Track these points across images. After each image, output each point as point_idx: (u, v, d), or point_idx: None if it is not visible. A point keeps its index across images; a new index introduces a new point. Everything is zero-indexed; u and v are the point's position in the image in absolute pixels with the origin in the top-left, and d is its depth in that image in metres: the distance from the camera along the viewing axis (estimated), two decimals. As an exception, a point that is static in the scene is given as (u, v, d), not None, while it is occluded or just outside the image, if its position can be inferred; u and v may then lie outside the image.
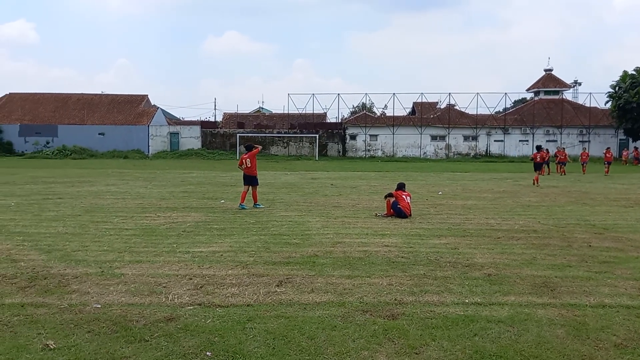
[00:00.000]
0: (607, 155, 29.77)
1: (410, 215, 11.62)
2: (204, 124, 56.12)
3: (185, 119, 71.93)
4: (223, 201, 14.57)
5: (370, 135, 53.98)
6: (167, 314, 5.06)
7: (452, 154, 53.63)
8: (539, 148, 23.34)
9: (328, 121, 58.77)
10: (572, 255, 7.73)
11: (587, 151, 32.46)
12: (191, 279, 6.34)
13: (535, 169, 22.10)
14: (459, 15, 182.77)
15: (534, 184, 20.94)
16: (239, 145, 49.66)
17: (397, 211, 11.51)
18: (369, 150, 53.89)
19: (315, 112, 55.66)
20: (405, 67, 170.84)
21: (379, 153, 53.85)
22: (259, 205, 13.36)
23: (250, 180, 13.59)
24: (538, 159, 22.24)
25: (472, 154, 53.47)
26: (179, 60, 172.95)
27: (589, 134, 52.95)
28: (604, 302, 5.45)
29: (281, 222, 10.87)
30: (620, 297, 5.63)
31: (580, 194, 17.32)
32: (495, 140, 53.78)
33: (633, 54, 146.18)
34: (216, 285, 6.07)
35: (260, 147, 14.28)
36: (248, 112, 70.45)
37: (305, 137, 52.81)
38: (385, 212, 11.84)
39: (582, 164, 30.02)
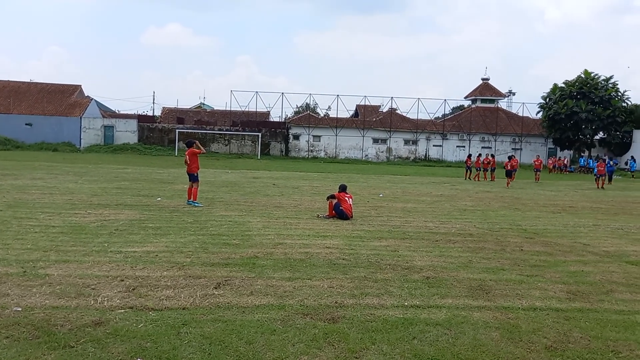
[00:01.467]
0: (536, 163, 31.17)
1: (352, 217, 11.72)
2: (141, 118, 54.21)
3: (122, 112, 69.35)
4: (160, 199, 14.10)
5: (314, 136, 54.18)
6: (95, 318, 4.78)
7: (392, 157, 54.83)
8: (510, 157, 27.40)
9: (271, 120, 58.40)
10: (505, 259, 8.05)
11: (515, 158, 32.69)
12: (123, 280, 6.04)
13: (506, 175, 26.19)
14: (404, 20, 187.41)
15: (507, 186, 24.66)
16: (178, 141, 48.38)
17: (339, 213, 11.57)
18: (311, 151, 54.07)
19: (258, 110, 55.20)
20: (350, 69, 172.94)
21: (322, 154, 54.15)
22: (197, 203, 13.06)
23: (189, 177, 13.49)
24: (509, 167, 26.28)
25: (412, 157, 54.91)
26: (117, 50, 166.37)
27: (521, 142, 55.77)
28: (535, 305, 5.68)
29: (220, 221, 10.66)
30: (550, 300, 5.90)
31: (512, 200, 18.14)
32: (434, 145, 55.51)
33: (562, 66, 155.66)
34: (150, 287, 5.82)
35: (203, 151, 14.01)
36: (188, 107, 68.81)
37: (248, 135, 52.23)
38: (327, 214, 11.88)
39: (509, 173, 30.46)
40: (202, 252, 7.68)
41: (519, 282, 6.64)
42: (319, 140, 54.46)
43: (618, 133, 48.85)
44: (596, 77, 49.08)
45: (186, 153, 13.82)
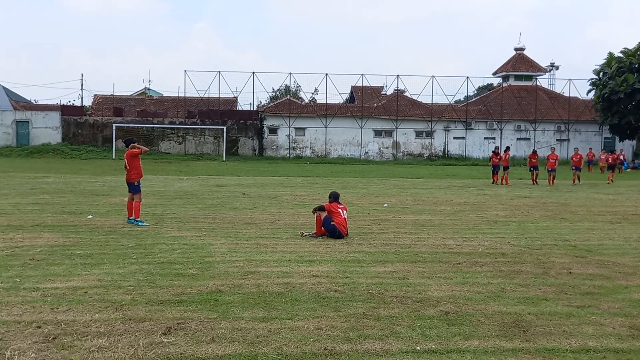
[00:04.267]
0: (602, 157, 30.99)
1: (347, 234, 11.74)
2: (66, 110, 54.06)
3: (40, 102, 69.00)
4: (91, 217, 14.04)
5: (296, 129, 54.34)
6: (2, 379, 4.74)
7: (401, 154, 55.14)
8: (611, 151, 30.38)
9: (240, 109, 58.42)
10: (548, 286, 8.10)
11: (555, 153, 31.36)
12: (40, 327, 6.00)
13: (609, 168, 30.82)
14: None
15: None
16: (116, 139, 48.19)
17: (330, 229, 11.58)
18: (294, 149, 54.20)
19: (222, 96, 55.23)
20: (341, 40, 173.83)
21: (308, 152, 54.31)
22: (141, 222, 13.01)
23: (129, 187, 13.50)
24: (610, 160, 30.56)
25: (427, 154, 55.26)
26: (33, 21, 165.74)
27: (568, 130, 56.29)
28: (588, 346, 5.72)
29: (172, 245, 10.63)
30: (607, 339, 5.94)
31: (558, 207, 18.29)
32: (454, 137, 55.92)
33: (620, 29, 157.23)
34: (76, 335, 5.78)
35: (145, 149, 13.95)
36: (129, 94, 68.68)
37: (209, 129, 52.20)
38: (315, 231, 11.90)
39: (549, 171, 29.27)
40: (147, 287, 7.64)
41: (566, 316, 6.68)
42: (303, 134, 54.63)
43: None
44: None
45: (124, 155, 13.80)
